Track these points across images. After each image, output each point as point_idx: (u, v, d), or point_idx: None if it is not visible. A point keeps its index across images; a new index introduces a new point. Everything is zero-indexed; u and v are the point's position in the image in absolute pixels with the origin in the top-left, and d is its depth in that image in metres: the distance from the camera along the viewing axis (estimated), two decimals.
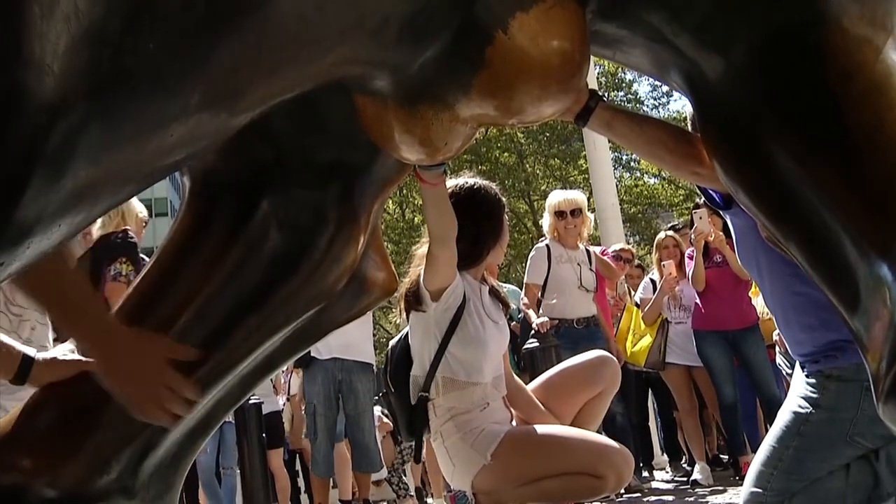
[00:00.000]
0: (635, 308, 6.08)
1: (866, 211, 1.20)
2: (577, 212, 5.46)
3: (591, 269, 5.45)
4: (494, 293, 2.89)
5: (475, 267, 2.84)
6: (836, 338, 2.08)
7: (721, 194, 2.17)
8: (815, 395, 2.15)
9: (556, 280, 5.31)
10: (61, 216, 0.86)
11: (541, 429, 2.64)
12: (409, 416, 2.76)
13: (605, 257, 5.89)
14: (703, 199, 2.64)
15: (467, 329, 2.68)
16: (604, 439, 2.71)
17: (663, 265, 5.81)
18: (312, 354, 5.47)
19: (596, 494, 2.51)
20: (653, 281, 6.10)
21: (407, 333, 2.87)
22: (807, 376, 2.21)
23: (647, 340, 5.78)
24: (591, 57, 1.67)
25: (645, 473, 6.55)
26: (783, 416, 2.22)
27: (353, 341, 5.50)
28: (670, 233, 6.21)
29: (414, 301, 2.71)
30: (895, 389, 1.05)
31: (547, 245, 5.45)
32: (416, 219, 21.08)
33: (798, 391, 2.22)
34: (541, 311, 5.23)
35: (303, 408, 6.37)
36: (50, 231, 0.85)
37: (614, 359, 2.95)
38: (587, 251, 5.55)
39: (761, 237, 2.16)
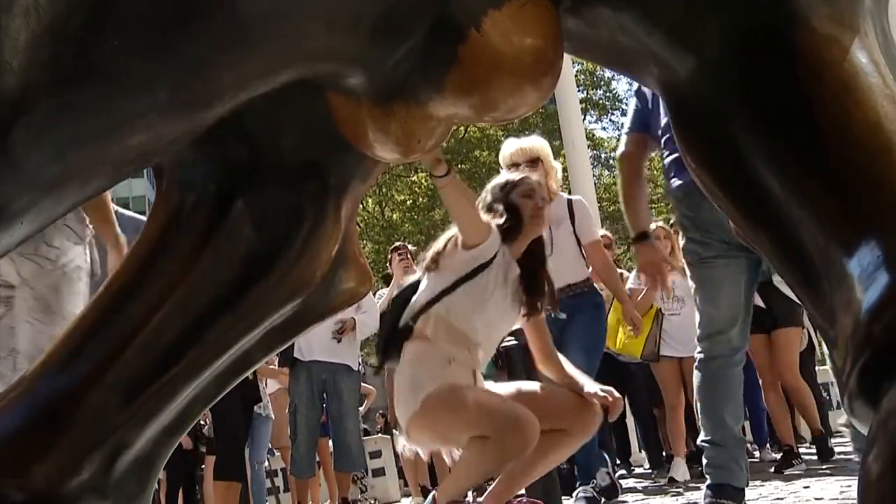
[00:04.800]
0: None
1: (834, 208, 1.21)
2: (534, 163, 4.25)
3: (571, 232, 4.57)
4: (526, 287, 2.92)
5: (514, 242, 2.92)
6: None
7: None
8: None
9: None
10: (24, 213, 0.85)
11: (465, 389, 2.68)
12: (388, 336, 2.82)
13: None
14: None
15: (478, 285, 2.76)
16: (515, 406, 2.64)
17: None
18: (296, 356, 5.45)
19: (502, 461, 2.56)
20: None
21: (416, 282, 2.98)
22: None
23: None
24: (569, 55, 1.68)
25: (622, 471, 6.58)
26: None
27: (337, 343, 5.49)
28: (661, 223, 6.14)
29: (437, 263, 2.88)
30: (859, 387, 1.06)
31: None
32: (395, 217, 21.03)
33: None
34: None
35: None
36: (12, 228, 0.84)
37: (599, 413, 2.81)
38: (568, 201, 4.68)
39: None
